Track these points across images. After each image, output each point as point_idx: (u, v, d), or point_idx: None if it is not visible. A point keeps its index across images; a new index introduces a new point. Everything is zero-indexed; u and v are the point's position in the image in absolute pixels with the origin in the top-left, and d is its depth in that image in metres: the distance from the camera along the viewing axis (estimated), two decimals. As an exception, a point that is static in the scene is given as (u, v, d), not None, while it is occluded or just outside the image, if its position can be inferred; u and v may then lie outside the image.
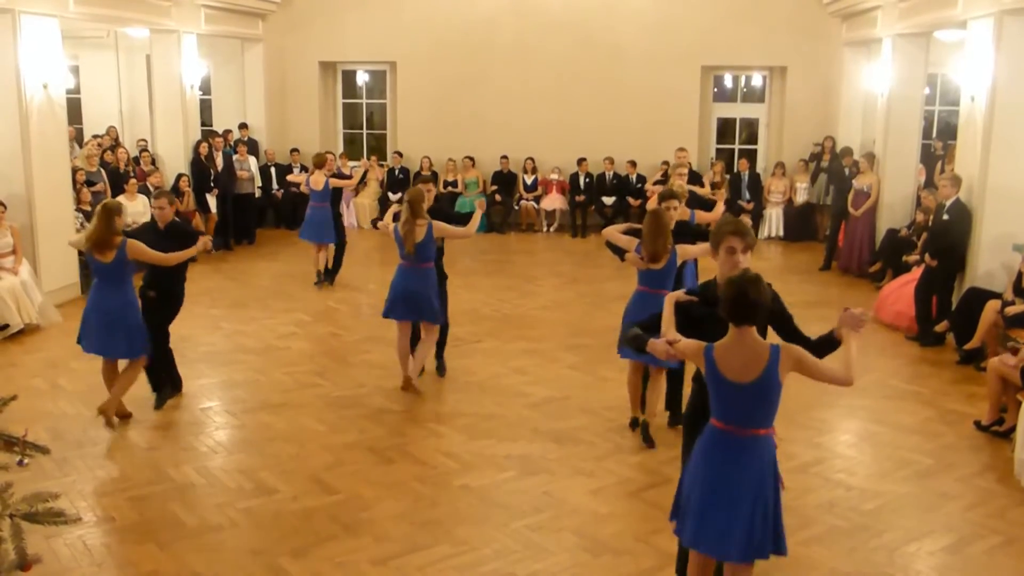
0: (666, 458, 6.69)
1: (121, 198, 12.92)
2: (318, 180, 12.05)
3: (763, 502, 3.98)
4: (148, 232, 7.40)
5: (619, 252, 7.08)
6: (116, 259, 6.97)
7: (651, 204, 11.27)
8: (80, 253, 11.50)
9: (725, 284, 3.99)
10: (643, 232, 6.81)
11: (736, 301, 3.89)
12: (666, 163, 15.95)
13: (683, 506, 4.18)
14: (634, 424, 7.22)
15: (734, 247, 4.43)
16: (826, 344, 4.29)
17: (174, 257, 7.26)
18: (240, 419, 7.51)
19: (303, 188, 12.73)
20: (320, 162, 12.19)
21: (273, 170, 16.73)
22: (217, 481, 6.31)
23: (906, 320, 10.14)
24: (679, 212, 7.40)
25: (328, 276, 12.35)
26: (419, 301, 7.87)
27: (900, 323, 10.23)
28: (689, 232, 7.23)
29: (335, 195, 12.29)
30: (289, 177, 14.88)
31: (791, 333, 4.41)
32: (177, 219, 7.71)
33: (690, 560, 4.37)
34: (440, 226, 7.85)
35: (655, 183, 14.00)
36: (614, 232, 7.13)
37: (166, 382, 7.82)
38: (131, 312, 7.14)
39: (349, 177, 13.76)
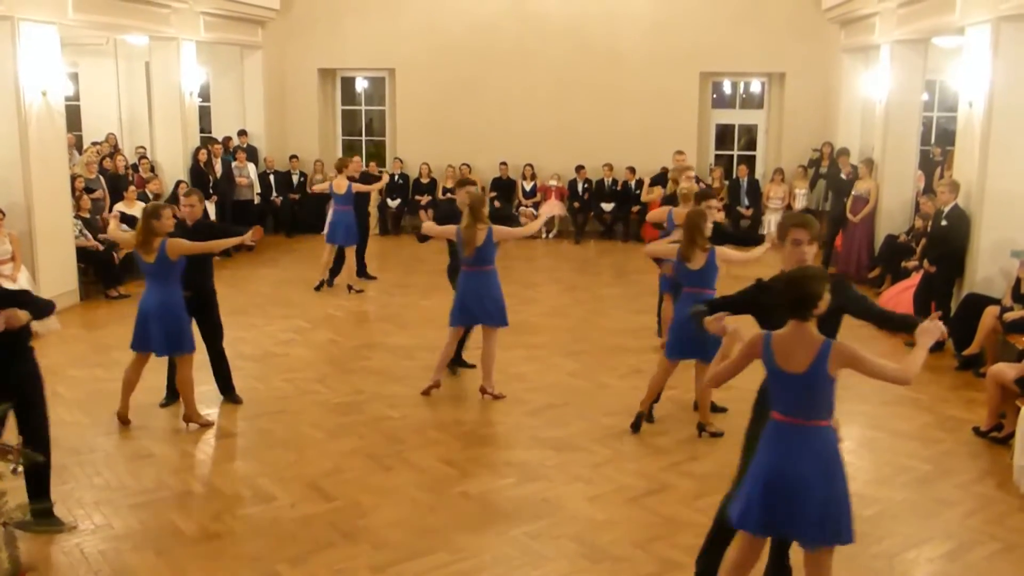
0: (665, 464, 6.68)
1: (120, 205, 12.94)
2: (340, 184, 12.14)
3: (831, 489, 4.11)
4: (177, 231, 7.44)
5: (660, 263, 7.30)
6: (158, 259, 7.10)
7: (651, 204, 11.32)
8: (89, 254, 11.53)
9: (785, 278, 4.16)
10: (684, 232, 7.14)
11: (793, 294, 4.06)
12: (667, 168, 15.98)
13: (745, 495, 4.21)
14: (636, 426, 7.24)
15: (800, 239, 4.57)
16: (899, 325, 4.63)
17: (220, 244, 7.50)
18: (238, 426, 7.51)
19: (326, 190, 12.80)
20: (342, 166, 12.28)
21: (272, 177, 16.74)
22: (215, 488, 6.30)
23: (905, 326, 10.12)
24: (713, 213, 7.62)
25: (332, 277, 12.44)
26: (484, 303, 7.94)
27: (899, 329, 10.21)
28: (718, 234, 7.44)
29: (360, 198, 12.38)
30: (314, 188, 14.86)
31: (867, 311, 4.64)
32: (206, 218, 7.83)
33: (739, 547, 4.39)
34: (500, 230, 7.97)
35: (652, 183, 13.96)
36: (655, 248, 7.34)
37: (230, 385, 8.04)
38: (177, 312, 7.24)
39: (378, 178, 13.84)
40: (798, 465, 4.07)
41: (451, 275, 8.58)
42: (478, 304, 7.95)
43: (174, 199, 13.85)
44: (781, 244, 4.69)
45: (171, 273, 7.19)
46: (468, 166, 17.02)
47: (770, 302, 4.42)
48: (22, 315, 5.25)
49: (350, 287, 12.31)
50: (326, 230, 12.42)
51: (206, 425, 7.42)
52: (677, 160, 12.35)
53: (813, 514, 4.07)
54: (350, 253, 12.36)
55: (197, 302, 7.62)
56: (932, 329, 4.31)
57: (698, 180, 11.68)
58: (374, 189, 13.14)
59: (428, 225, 8.35)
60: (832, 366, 4.05)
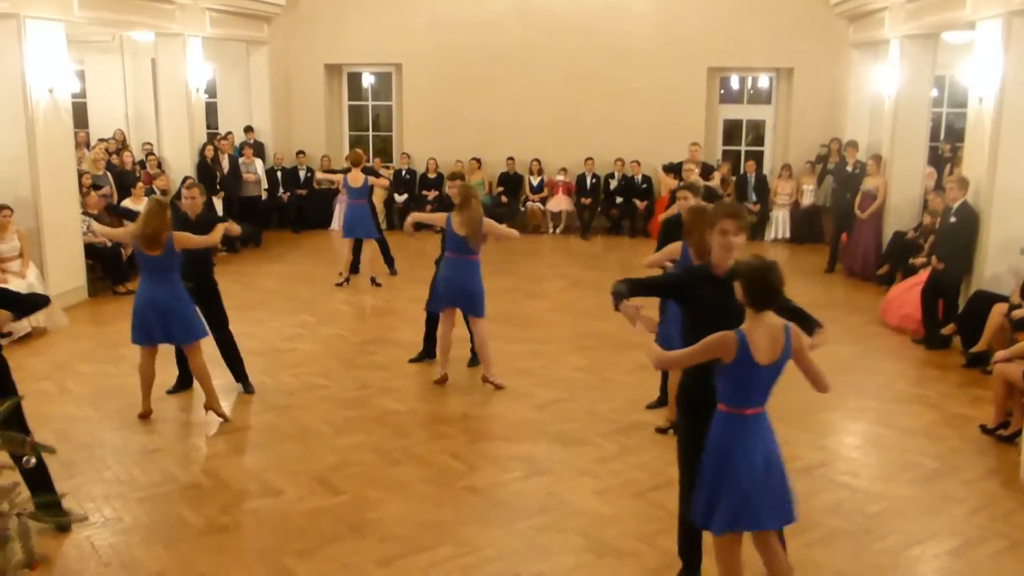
0: (671, 459, 6.65)
1: (127, 201, 13.00)
2: (356, 177, 12.16)
3: (782, 468, 4.27)
4: (177, 223, 7.50)
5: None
6: (165, 252, 7.14)
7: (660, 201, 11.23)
8: (97, 251, 11.56)
9: (745, 270, 4.12)
10: (687, 228, 6.92)
11: (757, 286, 4.07)
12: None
13: (714, 499, 4.21)
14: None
15: (727, 229, 4.53)
16: (803, 321, 4.50)
17: (213, 236, 7.57)
18: (246, 420, 7.53)
19: (339, 187, 12.81)
20: (357, 160, 12.35)
21: (279, 173, 16.77)
22: (223, 482, 6.32)
23: (912, 323, 10.13)
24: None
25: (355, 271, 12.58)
26: (463, 291, 8.04)
27: (906, 326, 10.21)
28: None
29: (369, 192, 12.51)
30: (320, 175, 14.88)
31: (784, 305, 4.55)
32: (210, 212, 7.90)
33: (722, 546, 4.36)
34: (490, 223, 8.09)
35: (666, 168, 13.92)
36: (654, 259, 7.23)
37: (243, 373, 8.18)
38: (185, 301, 7.34)
39: (377, 173, 13.90)
40: (762, 451, 4.19)
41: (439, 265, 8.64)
42: (456, 290, 8.04)
43: (180, 195, 13.90)
44: (708, 234, 4.65)
45: (176, 265, 7.28)
46: (478, 160, 17.01)
47: (702, 294, 4.47)
48: (5, 315, 5.27)
49: (373, 279, 12.35)
50: (339, 225, 12.45)
51: (223, 417, 7.43)
52: (692, 151, 12.36)
53: (783, 494, 4.24)
54: (371, 246, 12.40)
55: (199, 293, 7.71)
56: (819, 344, 4.44)
57: (707, 169, 11.67)
58: (383, 183, 13.11)
59: (416, 214, 8.59)
60: (793, 351, 4.17)
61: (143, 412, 7.43)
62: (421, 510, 5.89)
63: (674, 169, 12.63)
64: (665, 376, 7.56)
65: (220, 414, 7.43)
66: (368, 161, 15.95)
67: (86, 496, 6.02)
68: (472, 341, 8.48)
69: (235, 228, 7.91)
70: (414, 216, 8.59)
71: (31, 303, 5.62)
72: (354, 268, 12.64)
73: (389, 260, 13.01)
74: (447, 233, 8.09)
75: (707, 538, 4.52)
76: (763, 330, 4.11)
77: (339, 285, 12.31)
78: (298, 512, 5.85)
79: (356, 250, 12.55)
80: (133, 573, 5.12)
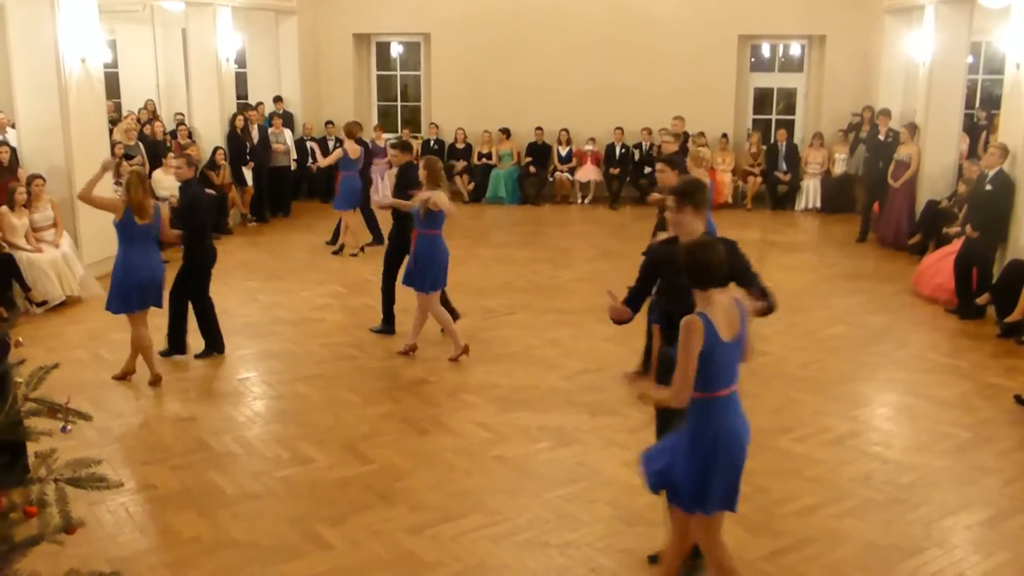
0: (700, 430, 6.67)
1: (159, 172, 13.08)
2: (354, 148, 12.15)
3: None
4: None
5: None
6: (153, 221, 7.52)
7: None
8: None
9: (684, 252, 4.11)
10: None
11: (693, 268, 4.03)
12: (701, 133, 15.83)
13: (705, 483, 4.16)
14: None
15: (670, 205, 4.64)
16: (769, 301, 4.56)
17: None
18: (277, 390, 7.60)
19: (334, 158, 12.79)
20: (352, 131, 12.32)
21: (309, 144, 16.78)
22: (255, 450, 6.40)
23: (946, 293, 10.01)
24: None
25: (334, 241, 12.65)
26: (438, 266, 8.14)
27: (939, 296, 10.10)
28: None
29: (365, 165, 12.50)
30: (323, 162, 14.75)
31: (750, 282, 4.66)
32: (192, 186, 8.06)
33: (712, 526, 4.33)
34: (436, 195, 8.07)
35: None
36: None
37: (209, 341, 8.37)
38: (162, 268, 7.77)
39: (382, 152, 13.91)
40: (743, 428, 4.19)
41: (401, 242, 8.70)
42: (444, 267, 8.13)
43: (211, 165, 13.98)
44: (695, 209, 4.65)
45: (158, 232, 7.65)
46: (506, 130, 16.90)
47: (663, 268, 4.54)
48: None
49: (350, 250, 12.43)
50: (335, 199, 12.50)
51: (156, 382, 7.60)
52: (674, 126, 12.26)
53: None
54: (356, 217, 12.48)
55: (187, 259, 8.09)
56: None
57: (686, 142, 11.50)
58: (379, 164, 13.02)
59: (391, 200, 8.81)
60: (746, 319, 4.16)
61: (152, 378, 7.61)
62: (450, 479, 5.93)
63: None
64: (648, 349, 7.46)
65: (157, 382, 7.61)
66: (386, 132, 15.88)
67: (121, 463, 6.12)
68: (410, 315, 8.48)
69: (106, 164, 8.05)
70: (393, 202, 8.72)
71: None
72: (334, 239, 12.69)
73: (375, 230, 12.94)
74: (438, 212, 7.97)
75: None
76: (717, 308, 4.04)
77: (354, 255, 12.36)
78: (328, 480, 5.91)
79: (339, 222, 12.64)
80: (167, 539, 5.20)
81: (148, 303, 7.59)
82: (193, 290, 8.17)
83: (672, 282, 4.61)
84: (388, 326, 8.99)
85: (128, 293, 7.46)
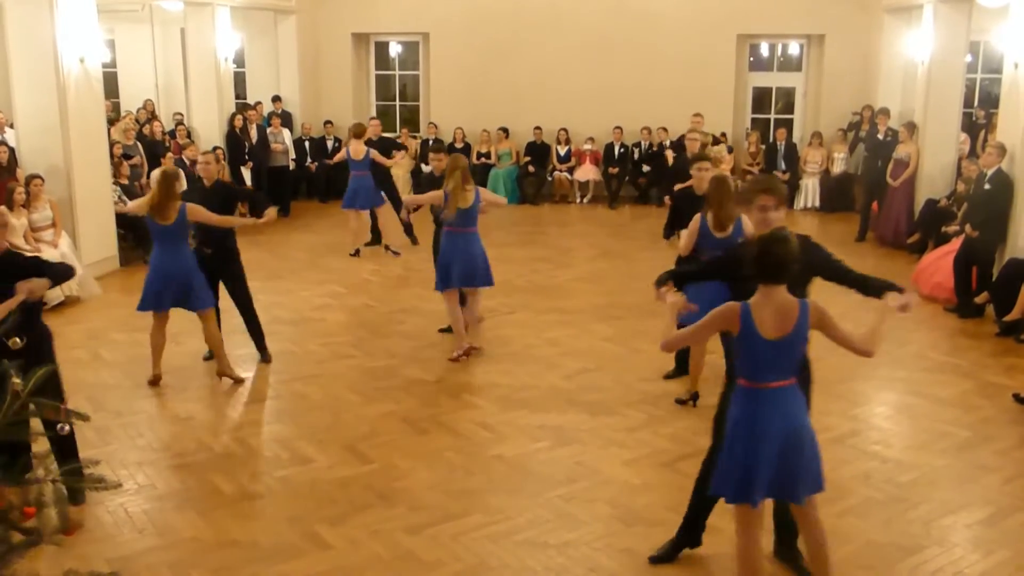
0: (701, 429, 6.66)
1: (155, 173, 13.05)
2: (358, 150, 12.15)
3: (812, 441, 4.20)
4: (195, 191, 7.54)
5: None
6: (177, 222, 7.22)
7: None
8: (128, 220, 11.65)
9: (753, 244, 4.10)
10: (709, 199, 6.83)
11: (762, 260, 4.00)
12: (723, 134, 15.84)
13: (732, 470, 4.19)
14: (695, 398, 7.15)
15: (766, 205, 4.48)
16: (869, 289, 4.50)
17: (232, 221, 7.54)
18: (276, 389, 7.60)
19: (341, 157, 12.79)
20: (359, 132, 12.29)
21: (307, 143, 16.78)
22: (255, 450, 6.39)
23: (945, 292, 10.01)
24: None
25: (375, 241, 12.59)
26: (470, 264, 7.99)
27: (939, 295, 10.10)
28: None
29: (377, 164, 12.43)
30: (334, 160, 14.72)
31: (843, 275, 4.59)
32: (224, 179, 7.94)
33: (738, 517, 4.34)
34: (486, 192, 8.08)
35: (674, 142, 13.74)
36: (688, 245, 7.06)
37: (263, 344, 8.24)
38: (194, 270, 7.43)
39: (397, 147, 13.85)
40: (779, 425, 4.10)
41: (436, 242, 8.55)
42: (465, 266, 7.97)
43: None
44: (748, 212, 4.61)
45: (186, 236, 7.42)
46: (505, 130, 16.92)
47: (739, 271, 4.36)
48: (43, 283, 5.31)
49: (387, 247, 12.37)
50: (344, 198, 12.46)
51: (239, 381, 7.57)
52: (695, 123, 12.19)
53: (805, 470, 4.17)
54: (385, 214, 12.39)
55: (218, 259, 7.75)
56: (902, 299, 4.30)
57: (715, 143, 11.50)
58: (390, 164, 12.94)
59: (411, 198, 8.52)
60: (812, 326, 4.08)
61: (152, 378, 7.56)
62: (450, 479, 5.93)
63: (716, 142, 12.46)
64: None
65: (235, 379, 7.57)
66: (385, 132, 15.80)
67: (119, 463, 6.11)
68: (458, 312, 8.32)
69: (270, 217, 7.84)
70: (408, 200, 8.65)
71: (63, 273, 5.68)
72: (375, 240, 12.64)
73: (409, 229, 12.98)
74: (442, 208, 7.98)
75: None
76: (772, 305, 4.02)
77: (353, 255, 12.35)
78: (328, 480, 5.91)
79: (374, 221, 12.57)
80: (166, 539, 5.20)
81: (179, 304, 7.47)
82: (235, 287, 8.04)
83: (738, 285, 4.47)
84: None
85: (156, 292, 7.38)
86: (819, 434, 6.57)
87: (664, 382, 7.61)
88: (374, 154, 12.19)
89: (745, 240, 4.69)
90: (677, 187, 8.62)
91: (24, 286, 5.11)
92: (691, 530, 4.99)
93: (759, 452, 4.10)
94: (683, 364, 7.49)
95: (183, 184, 7.32)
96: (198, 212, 7.27)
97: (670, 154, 13.02)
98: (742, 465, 4.14)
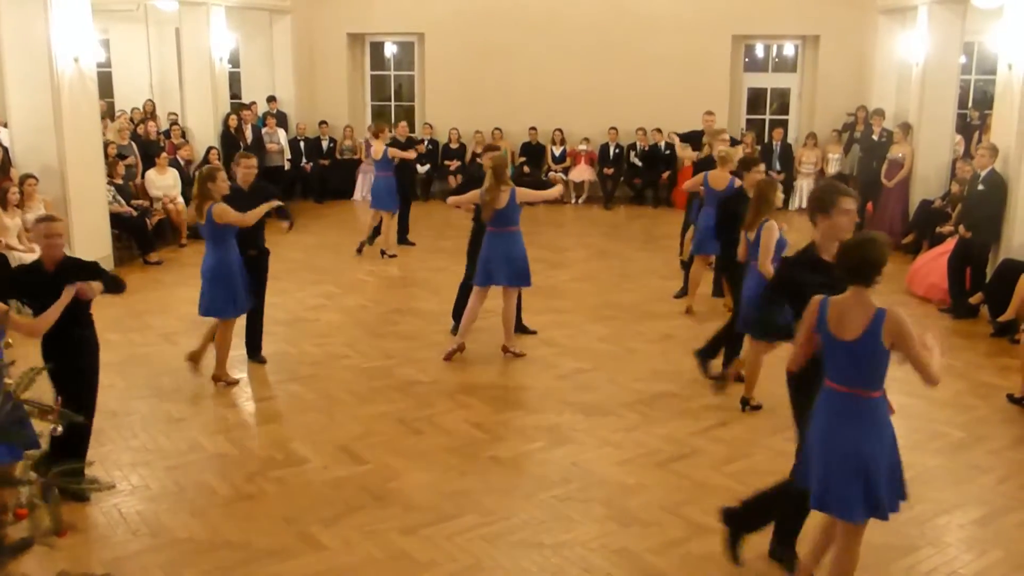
0: (694, 429, 6.68)
1: (152, 172, 13.05)
2: (378, 150, 12.20)
3: (888, 462, 4.14)
4: (234, 195, 7.48)
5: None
6: (206, 223, 7.23)
7: (684, 171, 11.20)
8: (123, 220, 11.63)
9: (851, 243, 4.12)
10: (751, 203, 7.02)
11: (857, 259, 4.01)
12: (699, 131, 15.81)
13: (808, 469, 4.21)
14: (744, 404, 7.09)
15: (850, 208, 4.57)
16: None
17: (248, 217, 7.39)
18: (271, 390, 7.59)
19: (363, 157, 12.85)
20: (377, 131, 12.38)
21: (302, 143, 16.76)
22: (249, 451, 6.38)
23: (939, 292, 10.03)
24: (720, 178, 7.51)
25: (371, 239, 12.59)
26: (508, 264, 7.99)
27: (933, 295, 10.12)
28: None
29: (402, 163, 12.46)
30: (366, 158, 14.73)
31: None
32: (260, 183, 7.94)
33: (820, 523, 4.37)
34: (523, 191, 8.05)
35: (682, 139, 13.63)
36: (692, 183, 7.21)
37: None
38: (225, 272, 7.32)
39: (413, 146, 13.87)
40: (852, 436, 4.05)
41: (473, 239, 8.57)
42: (502, 265, 7.98)
43: (205, 164, 13.94)
44: (823, 216, 4.61)
45: (219, 237, 7.29)
46: (500, 130, 16.93)
47: (805, 279, 4.43)
48: (96, 286, 5.50)
49: (383, 252, 12.36)
50: (367, 196, 12.48)
51: (232, 383, 7.55)
52: (707, 121, 12.14)
53: (862, 490, 4.07)
54: (388, 218, 12.41)
55: (257, 261, 7.77)
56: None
57: (733, 142, 11.55)
58: (408, 156, 12.98)
59: (452, 198, 8.50)
60: (885, 336, 4.00)
61: (217, 373, 7.58)
62: (445, 479, 5.92)
63: (692, 139, 12.38)
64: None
65: (228, 383, 7.54)
66: (390, 131, 15.83)
67: (113, 464, 6.10)
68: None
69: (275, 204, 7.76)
70: (450, 201, 8.53)
71: (116, 282, 5.74)
72: (375, 237, 12.66)
73: (403, 232, 12.96)
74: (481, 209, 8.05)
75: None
76: (853, 306, 4.02)
77: (359, 251, 12.40)
78: (322, 481, 5.90)
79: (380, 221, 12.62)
80: (160, 540, 5.19)
81: (225, 311, 7.42)
82: (262, 287, 8.04)
83: (797, 297, 4.46)
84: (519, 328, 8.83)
85: (201, 296, 7.40)
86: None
87: (659, 382, 7.61)
88: (391, 151, 12.24)
89: (811, 245, 4.69)
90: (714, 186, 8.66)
91: (78, 286, 5.32)
92: (788, 536, 4.91)
93: (824, 457, 4.10)
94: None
95: (221, 184, 7.23)
96: (225, 213, 7.21)
97: (686, 149, 12.81)
98: (810, 466, 4.18)
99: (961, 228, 9.85)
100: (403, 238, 12.97)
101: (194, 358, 7.71)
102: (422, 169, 16.96)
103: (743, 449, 6.39)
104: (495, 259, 7.98)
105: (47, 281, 5.45)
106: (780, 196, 7.02)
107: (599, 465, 6.13)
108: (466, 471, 6.05)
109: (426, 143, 17.03)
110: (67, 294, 5.37)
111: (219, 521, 5.38)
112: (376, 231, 12.61)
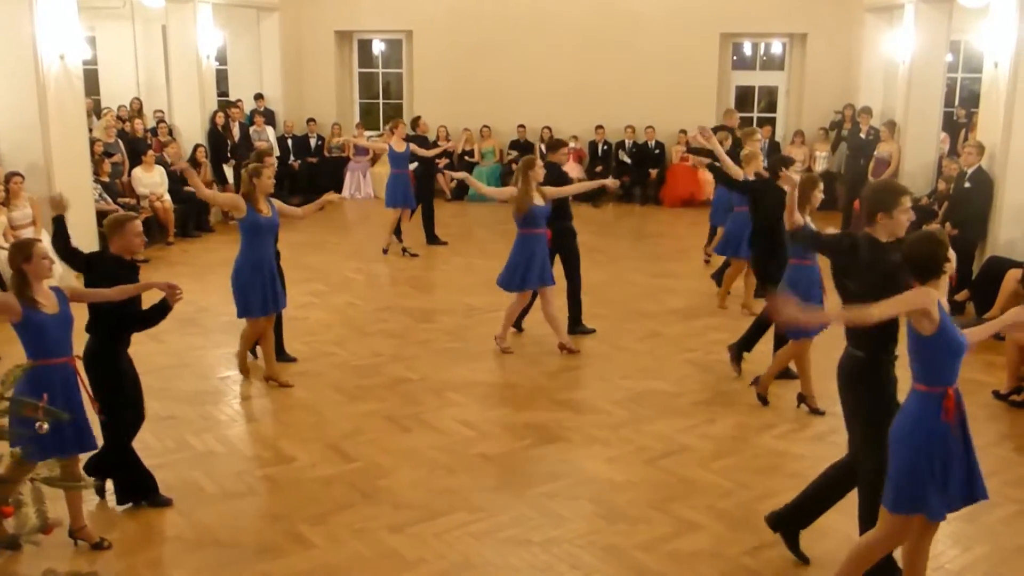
0: (682, 427, 6.70)
1: (138, 170, 13.00)
2: (400, 144, 12.18)
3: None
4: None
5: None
6: (246, 219, 7.32)
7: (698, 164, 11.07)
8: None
9: (917, 239, 4.16)
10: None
11: (923, 258, 4.08)
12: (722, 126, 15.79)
13: (931, 483, 4.24)
14: (801, 399, 7.06)
15: (908, 206, 4.71)
16: None
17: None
18: (259, 388, 7.57)
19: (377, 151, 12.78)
20: (394, 128, 12.44)
21: (290, 141, 16.73)
22: (237, 449, 6.37)
23: (925, 289, 10.06)
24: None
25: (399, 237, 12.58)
26: (535, 266, 8.11)
27: (919, 292, 10.15)
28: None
29: (425, 162, 12.56)
30: (370, 144, 14.69)
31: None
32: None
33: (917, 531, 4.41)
34: (547, 190, 8.09)
35: (694, 152, 13.61)
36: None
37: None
38: (244, 272, 7.31)
39: (435, 144, 13.91)
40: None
41: (556, 241, 8.61)
42: (533, 267, 8.07)
43: (192, 163, 13.90)
44: (882, 215, 4.76)
45: (249, 233, 7.31)
46: (488, 128, 16.92)
47: (851, 263, 4.65)
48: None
49: (385, 250, 12.34)
50: (355, 193, 12.43)
51: (286, 386, 7.50)
52: (730, 120, 12.12)
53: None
54: (394, 215, 12.40)
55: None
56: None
57: (735, 140, 11.55)
58: (431, 154, 12.94)
59: (491, 190, 8.66)
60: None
61: (269, 374, 7.59)
62: (434, 477, 5.93)
63: (702, 152, 12.24)
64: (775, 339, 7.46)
65: (283, 383, 7.53)
66: (368, 130, 15.83)
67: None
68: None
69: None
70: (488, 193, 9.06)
71: (160, 312, 5.52)
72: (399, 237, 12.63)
73: (430, 230, 12.97)
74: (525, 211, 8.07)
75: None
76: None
77: (385, 252, 12.31)
78: (311, 479, 5.89)
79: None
80: (149, 539, 5.18)
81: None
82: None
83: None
84: (578, 327, 8.85)
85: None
86: (801, 431, 6.62)
87: (648, 380, 7.62)
88: (413, 148, 12.28)
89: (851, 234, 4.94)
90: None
91: (167, 286, 5.25)
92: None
93: (959, 458, 4.31)
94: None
95: (266, 181, 7.21)
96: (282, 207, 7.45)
97: (701, 161, 12.66)
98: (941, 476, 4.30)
99: (947, 226, 9.90)
100: (432, 237, 12.90)
101: (243, 371, 7.69)
102: (411, 167, 16.91)
103: (730, 446, 6.42)
104: (522, 263, 8.10)
105: (133, 268, 5.51)
106: (820, 195, 6.95)
107: (588, 462, 6.14)
108: (455, 469, 6.05)
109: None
110: (151, 285, 5.30)
111: (207, 520, 5.37)
112: (399, 230, 12.57)
